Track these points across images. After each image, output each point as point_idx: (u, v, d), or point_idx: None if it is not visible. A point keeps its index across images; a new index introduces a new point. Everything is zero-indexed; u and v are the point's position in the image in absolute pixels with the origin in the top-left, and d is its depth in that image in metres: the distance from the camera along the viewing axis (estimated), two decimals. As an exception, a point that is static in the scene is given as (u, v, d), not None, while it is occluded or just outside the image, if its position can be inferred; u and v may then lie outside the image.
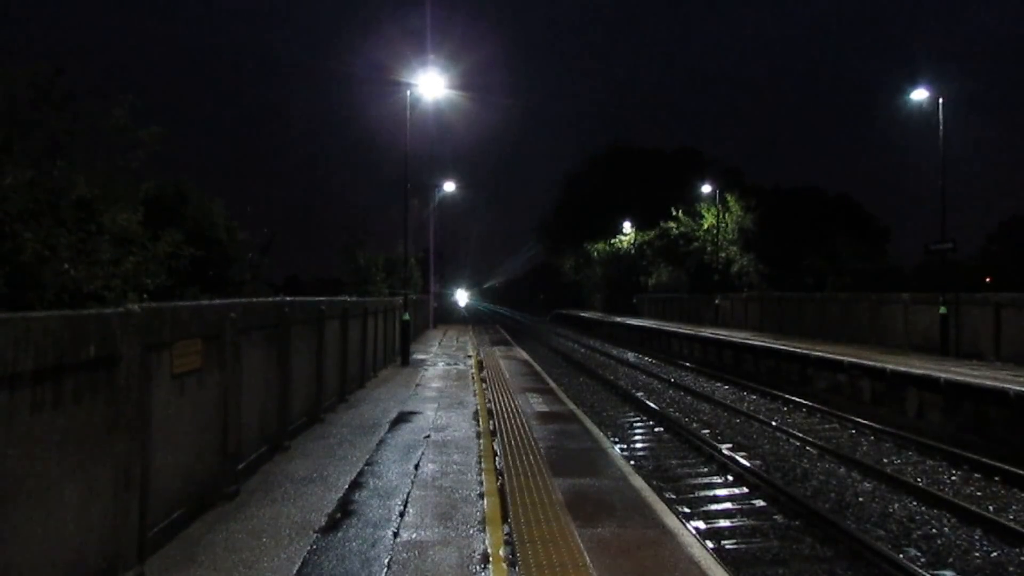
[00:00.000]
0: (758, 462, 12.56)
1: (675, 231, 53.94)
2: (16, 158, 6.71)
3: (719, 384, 23.41)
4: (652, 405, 18.31)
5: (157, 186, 11.02)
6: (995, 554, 8.32)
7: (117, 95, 7.89)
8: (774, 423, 15.92)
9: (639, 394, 20.69)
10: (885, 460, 12.83)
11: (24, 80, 6.96)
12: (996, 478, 11.40)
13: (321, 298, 12.12)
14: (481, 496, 7.25)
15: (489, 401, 13.85)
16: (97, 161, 7.99)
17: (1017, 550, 8.38)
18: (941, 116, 23.00)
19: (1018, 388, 13.83)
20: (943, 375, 15.97)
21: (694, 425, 16.06)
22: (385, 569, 5.32)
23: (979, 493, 10.79)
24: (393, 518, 6.52)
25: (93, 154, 7.90)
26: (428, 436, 10.30)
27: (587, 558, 5.59)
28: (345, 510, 6.74)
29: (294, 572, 5.24)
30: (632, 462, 11.22)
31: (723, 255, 47.62)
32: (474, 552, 5.70)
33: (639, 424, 16.61)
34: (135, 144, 8.08)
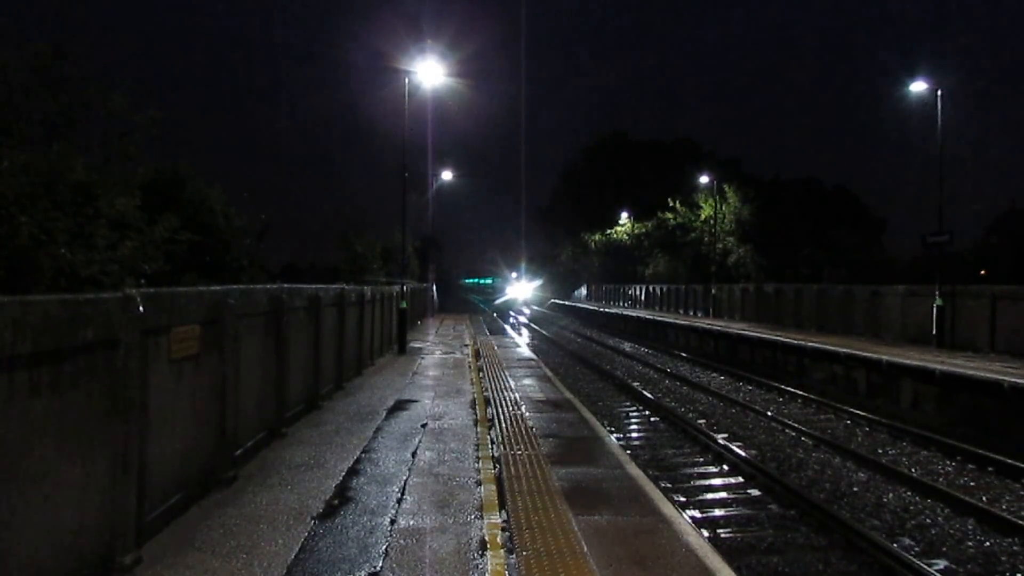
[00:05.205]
0: (753, 452, 12.61)
1: (673, 222, 53.93)
2: (13, 141, 6.66)
3: (715, 374, 23.48)
4: (648, 395, 18.36)
5: (155, 170, 10.94)
6: (988, 544, 8.38)
7: (114, 79, 7.83)
8: (769, 413, 15.98)
9: (635, 383, 20.74)
10: (880, 451, 12.90)
11: (22, 62, 6.89)
12: (990, 469, 11.47)
13: (318, 285, 12.09)
14: (478, 483, 7.27)
15: (486, 389, 13.87)
16: (95, 145, 7.93)
17: (1010, 540, 8.44)
18: (939, 108, 22.99)
19: (1012, 380, 13.89)
20: (938, 366, 16.03)
21: (690, 415, 16.11)
22: (383, 556, 5.33)
23: (973, 483, 10.85)
24: (391, 505, 6.53)
25: (91, 138, 7.84)
26: (425, 424, 10.31)
27: (584, 545, 5.61)
28: (343, 497, 6.75)
29: (292, 558, 5.25)
30: (628, 451, 11.23)
31: (720, 246, 47.63)
32: (471, 539, 5.71)
33: (635, 413, 16.66)
34: (133, 128, 8.03)
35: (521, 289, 79.27)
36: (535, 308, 77.71)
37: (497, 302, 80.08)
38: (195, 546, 5.39)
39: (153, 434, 5.43)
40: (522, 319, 58.39)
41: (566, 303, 72.50)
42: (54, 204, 6.90)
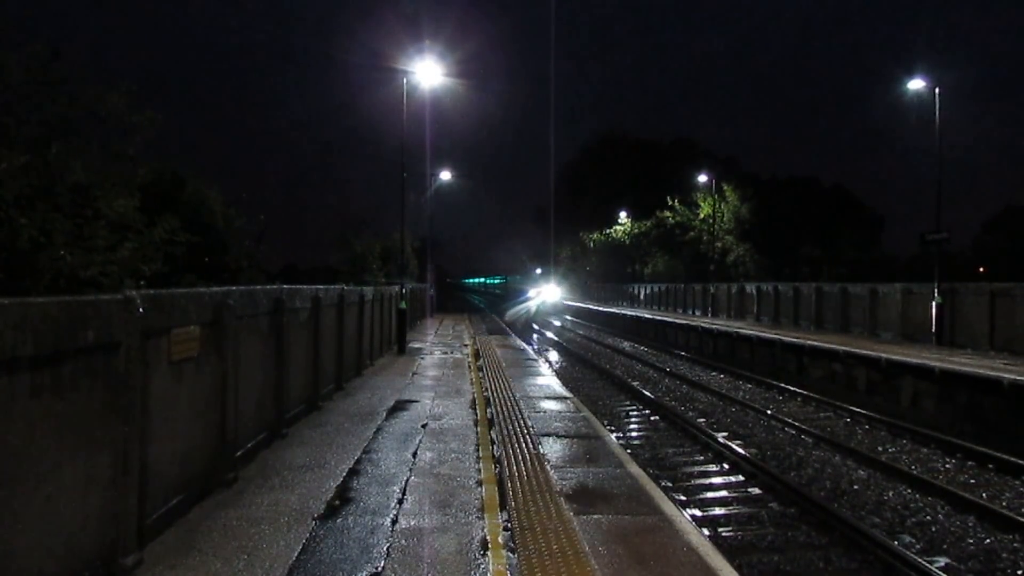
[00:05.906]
0: (754, 450, 12.61)
1: (671, 220, 53.98)
2: (11, 143, 6.65)
3: (714, 373, 23.49)
4: (648, 394, 18.36)
5: (154, 172, 10.93)
6: (988, 541, 8.39)
7: (113, 80, 7.82)
8: (769, 412, 15.99)
9: (635, 382, 20.74)
10: (880, 448, 12.91)
11: (19, 64, 6.88)
12: (990, 466, 11.49)
13: (318, 286, 12.08)
14: (479, 483, 7.27)
15: (486, 389, 13.86)
16: (94, 146, 7.92)
17: (1010, 537, 8.45)
18: (937, 106, 22.99)
19: (1011, 377, 13.90)
20: (937, 364, 16.04)
21: (690, 414, 16.11)
22: (384, 556, 5.33)
23: (973, 481, 10.87)
24: (392, 505, 6.53)
25: (90, 139, 7.83)
26: (425, 424, 10.31)
27: (585, 545, 5.61)
28: (344, 497, 6.75)
29: (293, 559, 5.25)
30: (629, 450, 11.23)
31: (719, 245, 47.67)
32: (473, 539, 5.71)
33: (635, 412, 16.66)
34: (132, 129, 8.02)
35: (550, 292, 61.02)
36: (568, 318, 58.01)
37: (512, 312, 57.96)
38: (196, 547, 5.39)
39: (154, 435, 5.43)
40: (549, 332, 43.68)
41: (563, 302, 72.45)
42: (53, 206, 6.89)
